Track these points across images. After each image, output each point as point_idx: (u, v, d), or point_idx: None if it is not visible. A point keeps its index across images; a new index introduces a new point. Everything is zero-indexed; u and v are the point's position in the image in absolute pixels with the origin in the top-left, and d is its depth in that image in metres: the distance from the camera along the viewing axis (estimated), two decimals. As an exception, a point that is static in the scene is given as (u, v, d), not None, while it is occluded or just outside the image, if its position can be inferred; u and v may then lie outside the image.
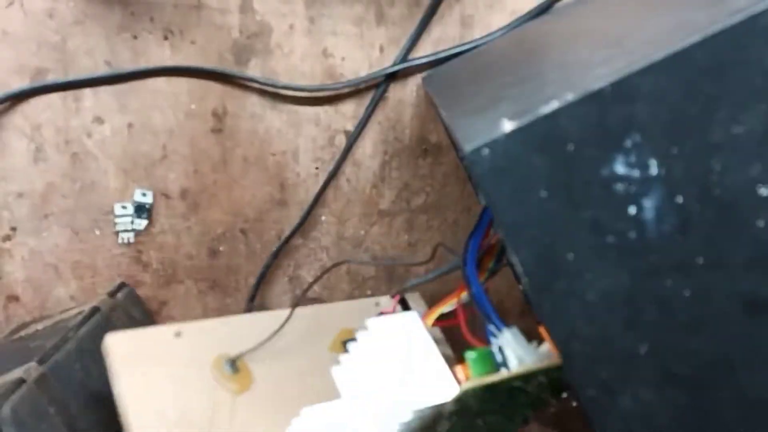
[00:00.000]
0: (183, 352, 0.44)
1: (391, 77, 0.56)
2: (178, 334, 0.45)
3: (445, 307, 0.45)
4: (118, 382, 0.40)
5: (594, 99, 0.26)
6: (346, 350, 0.42)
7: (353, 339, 0.44)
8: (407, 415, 0.35)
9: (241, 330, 0.47)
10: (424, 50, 0.56)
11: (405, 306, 0.55)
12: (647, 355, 0.30)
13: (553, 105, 0.26)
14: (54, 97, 0.57)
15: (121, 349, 0.41)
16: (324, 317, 0.50)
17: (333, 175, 0.59)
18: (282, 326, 0.47)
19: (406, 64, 0.55)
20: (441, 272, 0.47)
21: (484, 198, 0.29)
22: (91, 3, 0.55)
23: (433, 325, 0.45)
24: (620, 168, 0.27)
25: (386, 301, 0.56)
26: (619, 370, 0.30)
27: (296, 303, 0.50)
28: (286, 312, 0.49)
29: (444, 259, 0.57)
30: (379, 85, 0.56)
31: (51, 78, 0.56)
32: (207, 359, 0.44)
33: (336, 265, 0.59)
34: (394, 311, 0.50)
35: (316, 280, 0.52)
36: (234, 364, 0.44)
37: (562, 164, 0.27)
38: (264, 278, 0.60)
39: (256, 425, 0.43)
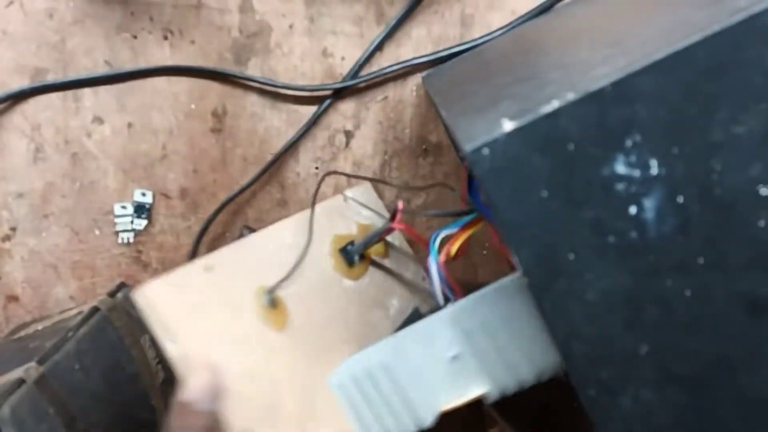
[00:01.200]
0: (219, 287, 0.41)
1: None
2: (208, 269, 0.42)
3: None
4: (163, 332, 0.38)
5: (594, 98, 0.26)
6: (346, 258, 0.42)
7: (350, 244, 0.43)
8: None
9: (262, 253, 0.44)
10: (425, 49, 0.56)
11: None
12: (647, 355, 0.30)
13: (554, 104, 0.26)
14: (54, 97, 0.57)
15: (157, 297, 0.38)
16: (304, 227, 0.48)
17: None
18: (306, 251, 0.45)
19: (401, 65, 0.55)
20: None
21: (484, 197, 0.29)
22: (91, 3, 0.55)
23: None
24: (621, 168, 0.27)
25: (353, 192, 0.55)
26: (619, 370, 0.30)
27: (313, 202, 0.49)
28: (283, 227, 0.48)
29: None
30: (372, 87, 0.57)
31: (51, 78, 0.56)
32: (244, 292, 0.41)
33: (328, 174, 0.58)
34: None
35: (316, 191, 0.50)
36: (271, 295, 0.42)
37: (562, 164, 0.27)
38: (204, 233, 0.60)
39: (300, 358, 0.41)
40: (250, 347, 0.39)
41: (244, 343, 0.39)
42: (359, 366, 0.38)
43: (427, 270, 0.45)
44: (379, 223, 0.52)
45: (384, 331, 0.46)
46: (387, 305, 0.49)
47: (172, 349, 0.37)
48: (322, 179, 0.55)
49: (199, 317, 0.38)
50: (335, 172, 0.57)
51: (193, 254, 0.59)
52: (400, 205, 0.45)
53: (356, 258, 0.48)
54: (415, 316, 0.48)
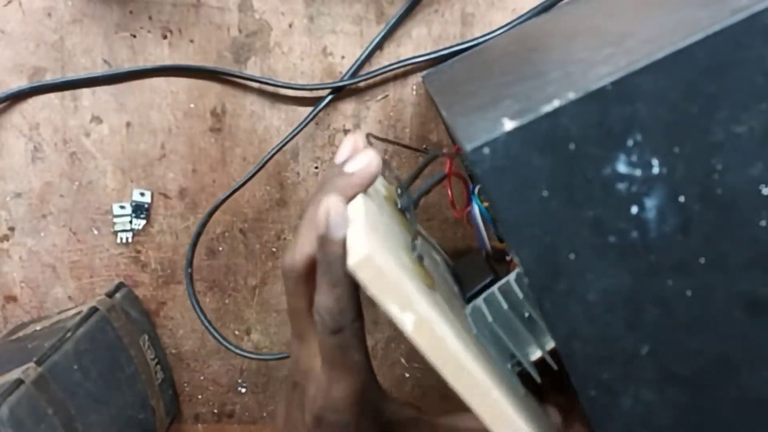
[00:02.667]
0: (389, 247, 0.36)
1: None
2: (373, 230, 0.38)
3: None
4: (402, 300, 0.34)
5: (595, 98, 0.26)
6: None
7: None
8: None
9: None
10: (425, 48, 0.56)
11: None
12: (648, 355, 0.30)
13: (555, 104, 0.26)
14: (52, 97, 0.57)
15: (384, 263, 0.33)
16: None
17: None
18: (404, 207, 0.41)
19: (401, 64, 0.55)
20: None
21: (485, 196, 0.29)
22: (90, 2, 0.55)
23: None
24: (622, 167, 0.27)
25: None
26: (620, 370, 0.30)
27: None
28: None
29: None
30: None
31: (49, 77, 0.56)
32: (402, 251, 0.36)
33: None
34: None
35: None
36: (416, 252, 0.37)
37: (563, 163, 0.27)
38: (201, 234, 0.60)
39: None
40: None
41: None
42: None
43: (469, 217, 0.45)
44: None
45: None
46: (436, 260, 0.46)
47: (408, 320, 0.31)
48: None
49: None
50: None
51: (192, 254, 0.59)
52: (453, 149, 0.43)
53: (408, 215, 0.45)
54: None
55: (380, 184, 0.43)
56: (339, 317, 0.33)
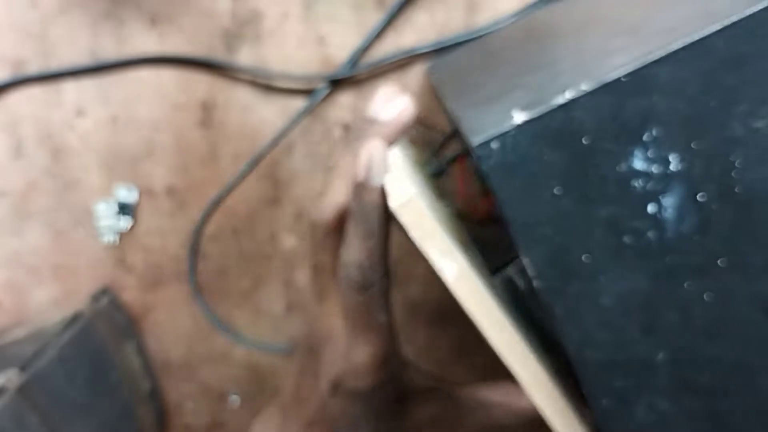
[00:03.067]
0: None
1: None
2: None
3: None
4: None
5: (611, 89, 0.26)
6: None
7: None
8: None
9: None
10: (427, 36, 0.56)
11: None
12: (664, 362, 0.30)
13: (568, 95, 0.26)
14: (35, 89, 0.57)
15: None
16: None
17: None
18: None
19: (402, 55, 0.55)
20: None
21: (493, 194, 0.28)
22: (74, -11, 0.55)
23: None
24: (638, 163, 0.27)
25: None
26: (634, 378, 0.30)
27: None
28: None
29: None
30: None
31: (32, 69, 0.56)
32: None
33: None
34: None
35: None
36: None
37: (576, 159, 0.27)
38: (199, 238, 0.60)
39: None
40: None
41: None
42: None
43: None
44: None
45: None
46: None
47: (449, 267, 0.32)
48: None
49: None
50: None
51: (194, 257, 0.59)
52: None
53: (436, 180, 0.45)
54: None
55: (406, 147, 0.43)
56: (369, 272, 0.33)
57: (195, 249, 0.60)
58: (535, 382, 0.32)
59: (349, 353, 0.35)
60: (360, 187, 0.32)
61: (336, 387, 0.36)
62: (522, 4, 0.54)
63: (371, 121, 0.36)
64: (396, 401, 0.38)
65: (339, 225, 0.35)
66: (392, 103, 0.35)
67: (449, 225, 0.35)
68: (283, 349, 0.62)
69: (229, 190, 0.58)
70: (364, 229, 0.32)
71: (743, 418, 0.30)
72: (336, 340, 0.36)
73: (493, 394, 0.40)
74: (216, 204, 0.58)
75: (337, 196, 0.35)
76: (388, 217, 0.33)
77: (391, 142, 0.35)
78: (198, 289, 0.60)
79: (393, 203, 0.30)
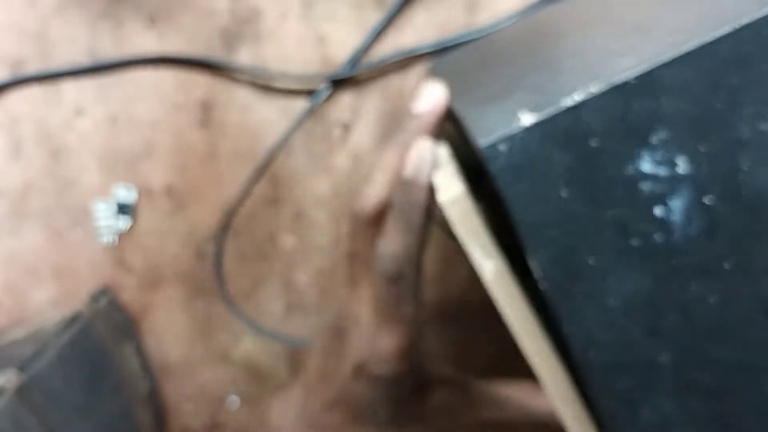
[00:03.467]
0: None
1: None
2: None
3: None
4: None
5: (619, 91, 0.26)
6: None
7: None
8: None
9: None
10: (427, 36, 0.56)
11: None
12: (669, 363, 0.30)
13: (576, 97, 0.26)
14: (34, 90, 0.56)
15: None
16: None
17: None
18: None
19: (402, 55, 0.55)
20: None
21: (500, 195, 0.28)
22: (73, -12, 0.55)
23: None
24: (646, 166, 0.27)
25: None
26: (639, 379, 0.30)
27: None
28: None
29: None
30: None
31: (31, 68, 0.56)
32: None
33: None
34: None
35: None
36: None
37: (584, 161, 0.27)
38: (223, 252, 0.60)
39: None
40: None
41: None
42: None
43: None
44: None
45: None
46: None
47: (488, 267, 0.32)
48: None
49: None
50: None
51: (218, 266, 0.59)
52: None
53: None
54: None
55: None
56: (403, 265, 0.34)
57: (219, 255, 0.59)
58: (555, 385, 0.33)
59: (374, 340, 0.36)
60: (406, 184, 0.33)
61: (359, 371, 0.37)
62: (522, 4, 0.54)
63: (413, 116, 0.36)
64: (415, 390, 0.39)
65: (378, 218, 0.36)
66: (424, 94, 0.36)
67: (486, 224, 0.36)
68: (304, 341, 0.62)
69: (242, 193, 0.58)
70: (404, 224, 0.34)
71: (747, 420, 0.30)
72: (363, 326, 0.37)
73: (509, 391, 0.41)
74: (233, 207, 0.58)
75: (378, 190, 0.36)
76: (429, 216, 0.34)
77: (433, 132, 0.35)
78: (222, 282, 0.60)
79: (442, 198, 0.31)
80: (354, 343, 0.38)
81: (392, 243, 0.34)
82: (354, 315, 0.38)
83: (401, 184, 0.33)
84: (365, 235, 0.37)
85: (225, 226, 0.60)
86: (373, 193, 0.36)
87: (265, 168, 0.58)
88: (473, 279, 0.60)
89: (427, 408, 0.40)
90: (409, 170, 0.33)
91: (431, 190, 0.33)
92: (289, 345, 0.61)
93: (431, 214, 0.35)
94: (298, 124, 0.57)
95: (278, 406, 0.45)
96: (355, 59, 0.56)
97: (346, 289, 0.39)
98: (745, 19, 0.25)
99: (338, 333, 0.39)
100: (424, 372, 0.39)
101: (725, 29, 0.26)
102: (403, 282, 0.35)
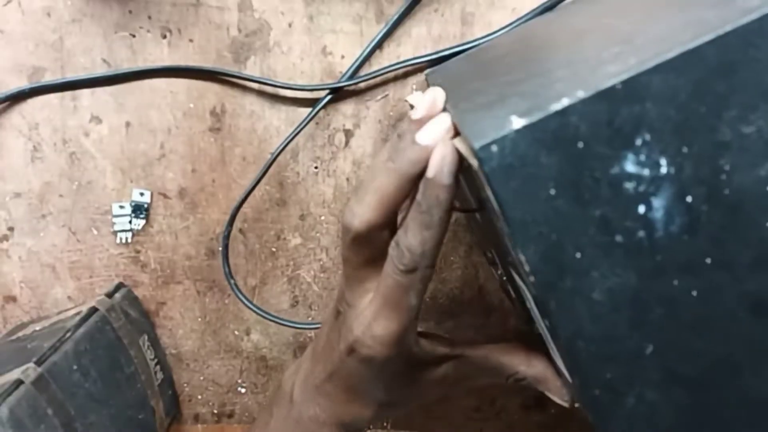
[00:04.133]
0: None
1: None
2: None
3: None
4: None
5: (605, 97, 0.26)
6: None
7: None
8: None
9: None
10: (425, 48, 0.56)
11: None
12: (653, 355, 0.30)
13: (564, 102, 0.26)
14: (51, 97, 0.56)
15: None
16: None
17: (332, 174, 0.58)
18: None
19: (400, 65, 0.55)
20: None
21: (491, 194, 0.28)
22: (89, 1, 0.55)
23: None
24: (630, 166, 0.27)
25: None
26: (624, 370, 0.30)
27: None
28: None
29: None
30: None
31: (48, 77, 0.56)
32: None
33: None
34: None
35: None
36: None
37: (571, 162, 0.27)
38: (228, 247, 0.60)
39: None
40: None
41: None
42: None
43: None
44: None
45: None
46: None
47: None
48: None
49: None
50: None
51: (227, 262, 0.59)
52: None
53: None
54: None
55: None
56: (417, 258, 0.34)
57: (226, 249, 0.59)
58: None
59: (370, 324, 0.37)
60: (428, 182, 0.33)
61: (351, 350, 0.38)
62: (514, 17, 0.54)
63: (412, 123, 0.36)
64: (407, 372, 0.40)
65: (367, 234, 0.36)
66: (420, 102, 0.36)
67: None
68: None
69: (247, 194, 0.57)
70: (424, 219, 0.33)
71: (729, 411, 0.30)
72: (360, 311, 0.38)
73: (499, 355, 0.41)
74: (238, 207, 0.58)
75: (369, 212, 0.36)
76: (449, 215, 0.34)
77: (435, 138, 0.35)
78: (231, 275, 0.60)
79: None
80: (349, 325, 0.38)
81: (410, 236, 0.34)
82: (353, 300, 0.39)
83: (424, 182, 0.33)
84: (353, 248, 0.37)
85: (234, 226, 0.59)
86: (363, 215, 0.36)
87: (271, 171, 0.57)
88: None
89: (422, 386, 0.41)
90: (431, 170, 0.33)
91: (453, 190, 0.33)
92: (298, 328, 0.61)
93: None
94: (302, 130, 0.57)
95: (291, 368, 0.45)
96: (356, 69, 0.56)
97: (342, 282, 0.40)
98: (728, 27, 0.25)
99: (339, 313, 0.40)
100: (415, 356, 0.39)
101: (708, 36, 0.25)
102: (415, 274, 0.35)
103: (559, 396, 0.39)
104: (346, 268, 0.39)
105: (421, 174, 0.34)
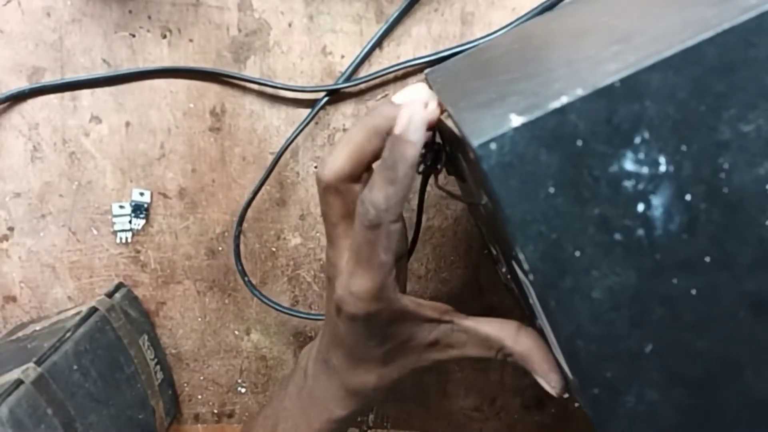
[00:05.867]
0: None
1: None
2: None
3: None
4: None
5: (603, 94, 0.26)
6: None
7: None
8: None
9: None
10: (425, 47, 0.56)
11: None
12: (652, 354, 0.29)
13: (563, 100, 0.26)
14: (51, 97, 0.56)
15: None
16: None
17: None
18: None
19: (400, 66, 0.55)
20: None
21: (490, 193, 0.28)
22: (89, 1, 0.55)
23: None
24: (629, 165, 0.27)
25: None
26: (624, 369, 0.30)
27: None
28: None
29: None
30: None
31: (48, 77, 0.56)
32: None
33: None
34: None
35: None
36: None
37: (570, 160, 0.27)
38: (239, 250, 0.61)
39: None
40: None
41: None
42: None
43: None
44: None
45: None
46: None
47: None
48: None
49: None
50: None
51: (239, 262, 0.59)
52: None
53: None
54: None
55: None
56: (382, 213, 0.35)
57: (237, 248, 0.60)
58: None
59: (348, 282, 0.38)
60: (395, 139, 0.34)
61: (338, 310, 0.39)
62: (513, 16, 0.54)
63: (390, 103, 0.38)
64: (396, 331, 0.40)
65: (337, 185, 0.38)
66: (411, 90, 0.38)
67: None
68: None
69: (254, 194, 0.57)
70: (388, 174, 0.34)
71: (729, 410, 0.30)
72: (341, 272, 0.39)
73: (490, 328, 0.42)
74: (246, 207, 0.58)
75: (338, 161, 0.38)
76: (413, 172, 0.34)
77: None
78: (243, 271, 0.60)
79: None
80: (333, 285, 0.40)
81: (375, 192, 0.35)
82: (334, 264, 0.40)
83: (390, 138, 0.34)
84: (328, 200, 0.39)
85: (236, 226, 0.59)
86: (331, 163, 0.38)
87: (272, 171, 0.57)
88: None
89: (414, 348, 0.42)
90: (398, 127, 0.34)
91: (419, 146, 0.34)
92: (304, 318, 0.61)
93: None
94: (302, 130, 0.57)
95: (308, 345, 0.48)
96: (356, 69, 0.56)
97: (328, 245, 0.41)
98: (727, 25, 0.25)
99: (329, 279, 0.41)
100: (399, 310, 0.40)
101: (706, 34, 0.25)
102: (380, 228, 0.35)
103: (545, 380, 0.39)
104: (326, 227, 0.40)
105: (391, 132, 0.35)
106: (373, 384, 0.42)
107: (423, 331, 0.42)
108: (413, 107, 0.34)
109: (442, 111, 0.37)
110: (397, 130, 0.34)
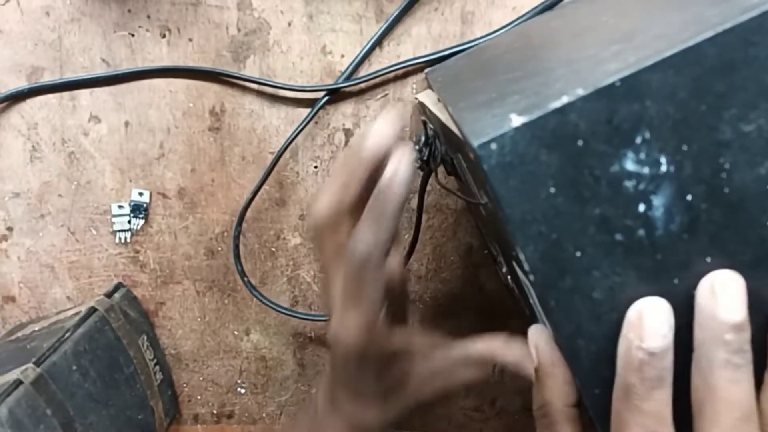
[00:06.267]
0: None
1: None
2: None
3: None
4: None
5: (604, 94, 0.26)
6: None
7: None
8: None
9: None
10: (425, 47, 0.56)
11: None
12: None
13: (563, 100, 0.26)
14: (50, 96, 0.56)
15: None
16: None
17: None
18: None
19: (400, 65, 0.55)
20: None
21: (490, 193, 0.28)
22: (88, 1, 0.55)
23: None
24: (630, 165, 0.27)
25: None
26: None
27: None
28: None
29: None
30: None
31: (47, 76, 0.56)
32: None
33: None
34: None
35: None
36: None
37: (571, 160, 0.27)
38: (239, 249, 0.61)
39: None
40: None
41: None
42: None
43: None
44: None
45: None
46: None
47: None
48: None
49: None
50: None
51: (239, 262, 0.59)
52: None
53: None
54: None
55: None
56: (371, 250, 0.36)
57: (237, 248, 0.60)
58: None
59: (341, 317, 0.38)
60: (381, 184, 0.35)
61: (335, 342, 0.40)
62: (514, 16, 0.54)
63: (363, 155, 0.38)
64: (391, 364, 0.41)
65: (328, 221, 0.39)
66: (378, 129, 0.38)
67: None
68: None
69: (254, 194, 0.58)
70: (376, 214, 0.35)
71: None
72: (335, 306, 0.39)
73: (481, 347, 0.42)
74: (246, 207, 0.58)
75: (326, 196, 0.39)
76: (401, 212, 0.35)
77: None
78: (243, 271, 0.60)
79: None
80: (330, 322, 0.40)
81: (364, 229, 0.36)
82: (329, 298, 0.40)
83: (379, 187, 0.35)
84: (320, 237, 0.39)
85: (235, 226, 0.59)
86: (321, 200, 0.39)
87: (271, 171, 0.57)
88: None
89: (413, 379, 0.42)
90: (387, 174, 0.35)
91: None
92: (303, 318, 0.61)
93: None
94: (302, 129, 0.56)
95: (323, 375, 0.49)
96: (355, 69, 0.56)
97: (323, 278, 0.42)
98: (727, 24, 0.25)
99: (328, 315, 0.42)
100: (391, 346, 0.41)
101: (707, 34, 0.25)
102: (369, 264, 0.36)
103: None
104: (321, 265, 0.42)
105: (376, 163, 0.36)
106: (376, 420, 0.43)
107: (418, 365, 0.42)
108: (401, 158, 0.35)
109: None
110: (386, 176, 0.35)
